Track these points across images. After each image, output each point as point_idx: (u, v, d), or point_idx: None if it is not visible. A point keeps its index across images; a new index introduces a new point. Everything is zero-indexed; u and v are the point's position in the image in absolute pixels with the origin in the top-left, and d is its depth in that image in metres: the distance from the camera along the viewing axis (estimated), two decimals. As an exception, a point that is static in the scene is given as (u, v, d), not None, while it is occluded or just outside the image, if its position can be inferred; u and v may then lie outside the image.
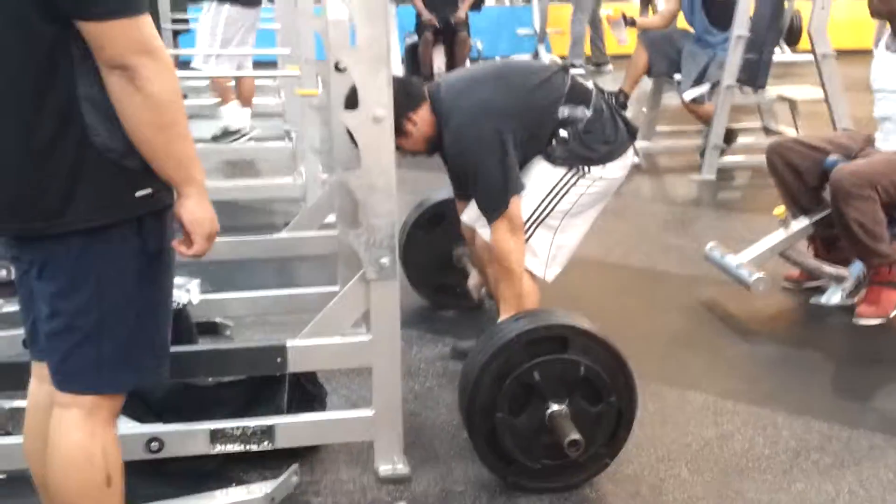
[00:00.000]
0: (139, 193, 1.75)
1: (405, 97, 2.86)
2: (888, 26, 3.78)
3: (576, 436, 2.41)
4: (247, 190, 5.21)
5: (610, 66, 10.42)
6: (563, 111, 2.88)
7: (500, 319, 2.83)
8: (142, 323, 1.86)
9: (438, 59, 8.87)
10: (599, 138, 2.90)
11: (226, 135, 6.48)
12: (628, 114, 6.55)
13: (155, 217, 1.80)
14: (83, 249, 1.75)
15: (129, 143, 1.70)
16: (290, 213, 4.38)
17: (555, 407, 2.47)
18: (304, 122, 4.63)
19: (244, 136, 6.51)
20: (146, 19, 1.64)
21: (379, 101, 2.32)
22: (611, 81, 6.61)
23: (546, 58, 10.54)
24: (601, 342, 2.51)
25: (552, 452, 2.48)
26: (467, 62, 9.01)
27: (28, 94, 1.67)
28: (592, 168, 2.90)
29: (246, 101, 6.60)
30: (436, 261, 3.71)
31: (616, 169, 2.95)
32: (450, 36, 8.86)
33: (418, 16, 8.71)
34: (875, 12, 3.76)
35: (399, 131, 2.84)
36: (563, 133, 2.87)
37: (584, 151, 2.88)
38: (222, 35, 6.28)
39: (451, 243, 3.58)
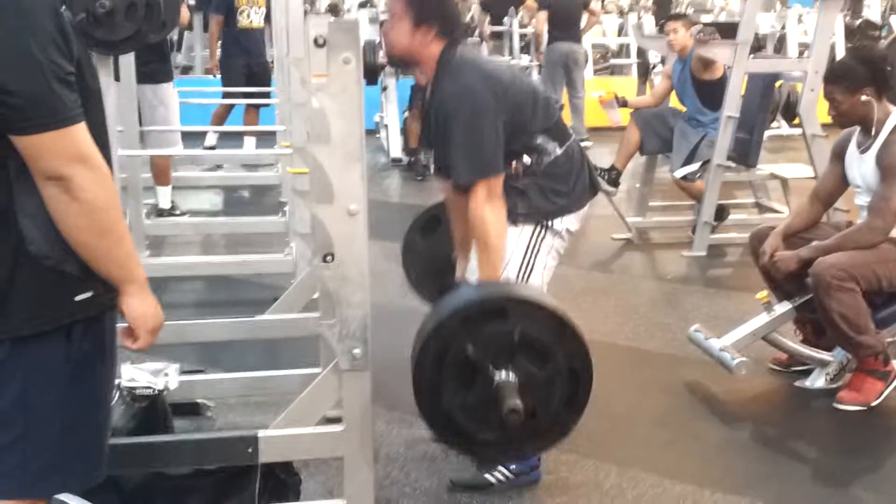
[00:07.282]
0: (79, 297, 1.74)
1: (441, 17, 2.85)
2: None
3: (514, 403, 2.28)
4: (238, 265, 5.23)
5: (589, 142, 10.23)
6: (539, 139, 2.90)
7: None
8: (73, 427, 1.80)
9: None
10: (553, 187, 2.92)
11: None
12: (621, 188, 6.66)
13: (88, 321, 1.77)
14: (10, 356, 1.72)
15: (67, 249, 1.69)
16: (281, 287, 4.37)
17: (500, 377, 2.33)
18: (293, 199, 4.67)
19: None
20: (78, 128, 1.64)
21: (352, 196, 2.35)
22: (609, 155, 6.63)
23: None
24: (537, 305, 2.38)
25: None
26: None
27: None
28: (553, 221, 2.94)
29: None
30: (435, 264, 3.62)
31: (572, 221, 2.99)
32: None
33: (412, 89, 8.57)
34: (843, 124, 3.80)
35: (397, 21, 2.83)
36: (525, 158, 2.90)
37: (543, 204, 2.92)
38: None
39: (448, 246, 3.44)
